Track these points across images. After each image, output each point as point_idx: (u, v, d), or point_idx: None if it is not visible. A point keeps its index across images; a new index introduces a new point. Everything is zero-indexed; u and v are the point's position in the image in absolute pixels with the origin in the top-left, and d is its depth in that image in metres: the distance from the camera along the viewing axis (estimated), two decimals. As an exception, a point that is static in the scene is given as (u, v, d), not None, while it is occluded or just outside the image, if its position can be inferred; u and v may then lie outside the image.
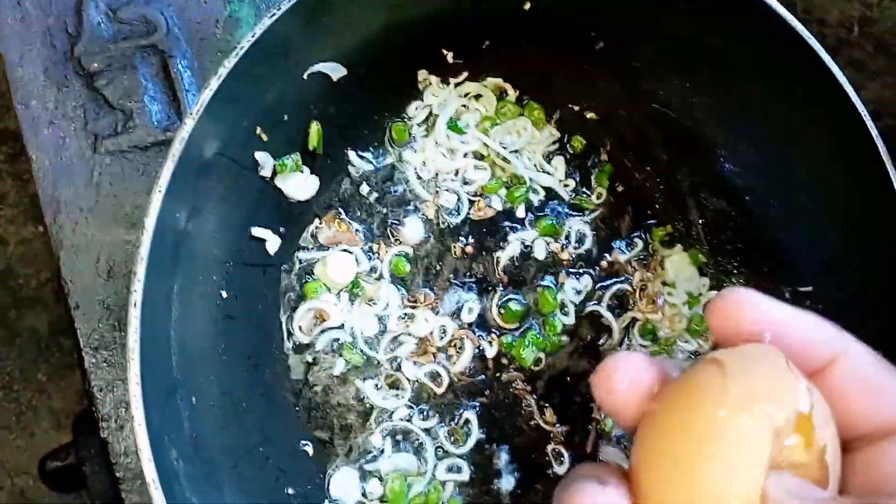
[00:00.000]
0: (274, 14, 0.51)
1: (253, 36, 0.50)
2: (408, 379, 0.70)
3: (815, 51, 0.60)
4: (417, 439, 0.70)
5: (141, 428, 0.46)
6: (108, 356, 0.70)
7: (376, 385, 0.70)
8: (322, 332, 0.69)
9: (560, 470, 0.71)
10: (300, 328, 0.69)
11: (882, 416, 0.32)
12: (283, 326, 0.69)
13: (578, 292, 0.73)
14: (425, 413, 0.70)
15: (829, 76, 0.60)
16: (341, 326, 0.70)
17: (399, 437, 0.70)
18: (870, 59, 0.92)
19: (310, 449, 0.68)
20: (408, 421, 0.70)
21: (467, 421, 0.70)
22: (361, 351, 0.69)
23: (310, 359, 0.69)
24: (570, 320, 0.72)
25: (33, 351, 1.11)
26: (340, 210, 0.71)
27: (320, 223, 0.70)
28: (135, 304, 0.47)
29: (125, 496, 0.68)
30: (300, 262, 0.70)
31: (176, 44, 0.73)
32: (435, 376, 0.70)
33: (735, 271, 0.74)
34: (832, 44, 0.92)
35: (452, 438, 0.70)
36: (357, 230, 0.71)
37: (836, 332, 0.34)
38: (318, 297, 0.69)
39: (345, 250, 0.70)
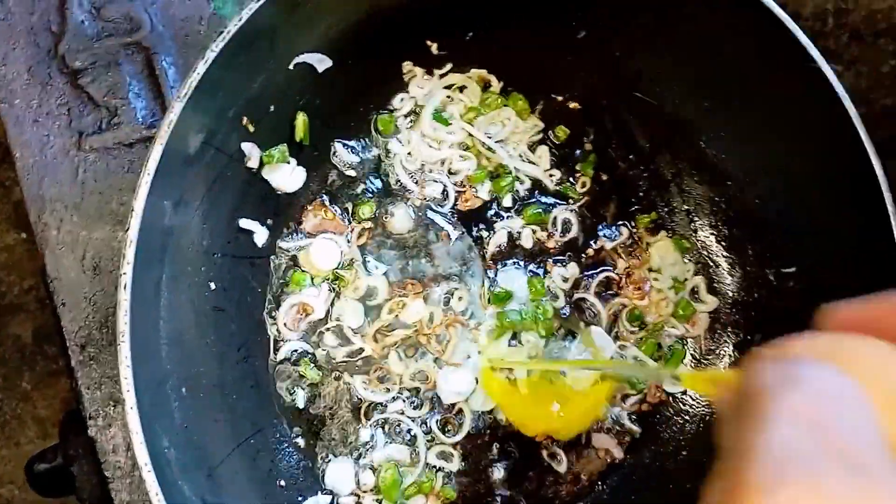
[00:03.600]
0: (260, -1, 0.51)
1: (240, 20, 0.51)
2: (397, 374, 0.70)
3: (794, 36, 0.61)
4: (409, 430, 0.70)
5: (133, 411, 0.46)
6: (94, 353, 0.69)
7: (365, 381, 0.70)
8: (307, 324, 0.69)
9: (552, 461, 0.71)
10: (285, 325, 0.69)
11: None
12: (267, 323, 0.69)
13: (566, 280, 0.74)
14: (417, 403, 0.70)
15: (808, 60, 0.61)
16: (326, 318, 0.70)
17: (391, 428, 0.70)
18: (844, 50, 0.94)
19: (301, 441, 0.68)
20: (400, 413, 0.70)
21: (460, 410, 0.70)
22: (321, 363, 0.69)
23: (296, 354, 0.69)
24: (561, 303, 0.73)
25: (17, 359, 1.09)
26: (326, 199, 0.71)
27: (307, 211, 0.70)
28: (125, 287, 0.47)
29: (114, 495, 0.67)
30: (285, 251, 0.70)
31: (160, 41, 0.73)
32: (422, 375, 0.70)
33: (719, 255, 0.75)
34: (808, 35, 0.94)
35: (446, 428, 0.70)
36: (343, 218, 0.71)
37: None
38: (300, 291, 0.69)
39: (329, 238, 0.70)
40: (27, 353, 1.10)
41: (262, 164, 0.65)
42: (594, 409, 0.65)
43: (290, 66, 0.63)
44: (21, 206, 0.71)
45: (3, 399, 1.09)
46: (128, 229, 0.48)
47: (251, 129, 0.63)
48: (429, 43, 0.71)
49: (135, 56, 0.72)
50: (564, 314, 0.73)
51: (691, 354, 0.74)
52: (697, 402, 0.73)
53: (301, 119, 0.67)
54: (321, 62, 0.65)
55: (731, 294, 0.74)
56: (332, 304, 0.70)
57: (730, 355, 0.73)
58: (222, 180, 0.62)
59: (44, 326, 1.10)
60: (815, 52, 0.62)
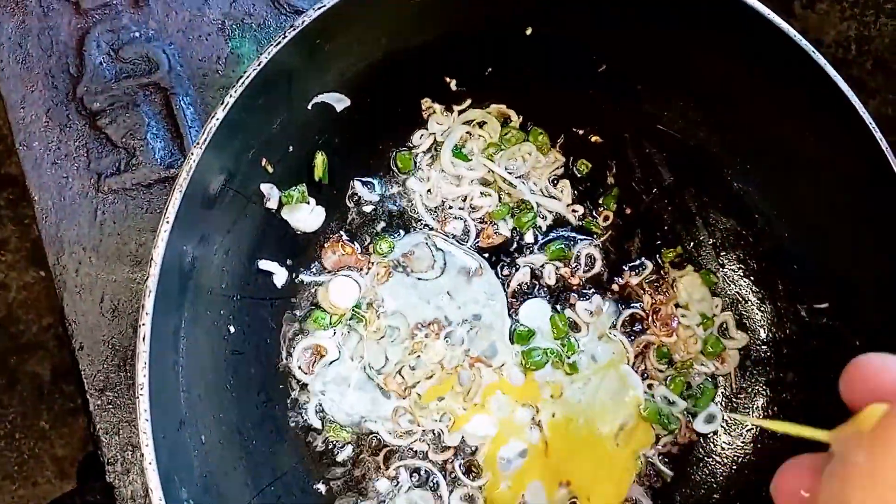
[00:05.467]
0: (279, 42, 0.51)
1: (259, 65, 0.50)
2: (419, 416, 0.68)
3: (822, 68, 0.59)
4: (432, 474, 0.68)
5: (151, 467, 0.45)
6: (113, 397, 0.68)
7: (386, 424, 0.68)
8: (323, 367, 0.68)
9: None
10: (300, 368, 0.68)
11: None
12: (285, 367, 0.68)
13: (591, 314, 0.72)
14: (439, 446, 0.68)
15: (837, 93, 0.60)
16: (345, 360, 0.68)
17: (414, 472, 0.68)
18: (869, 78, 0.92)
19: (322, 487, 0.66)
20: (423, 458, 0.68)
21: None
22: (339, 411, 0.68)
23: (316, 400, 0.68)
24: (586, 340, 0.71)
25: (35, 397, 1.08)
26: (346, 237, 0.70)
27: (326, 249, 0.69)
28: (143, 339, 0.46)
29: (132, 543, 0.66)
30: (304, 288, 0.68)
31: (178, 81, 0.73)
32: (445, 417, 0.69)
33: (749, 291, 0.73)
34: (830, 63, 0.92)
35: (470, 471, 0.68)
36: (362, 255, 0.70)
37: None
38: (315, 333, 0.68)
39: (347, 275, 0.69)
40: (45, 392, 1.10)
41: (281, 205, 0.65)
42: (628, 472, 0.63)
43: (309, 107, 0.62)
44: (39, 244, 0.70)
45: (22, 438, 1.08)
46: (147, 279, 0.47)
47: (270, 169, 0.62)
48: (447, 79, 0.70)
49: (153, 97, 0.72)
50: (589, 351, 0.71)
51: (722, 393, 0.72)
52: (729, 444, 0.71)
53: (320, 158, 0.66)
54: (339, 101, 0.64)
55: (761, 330, 0.72)
56: (353, 344, 0.69)
57: (762, 394, 0.71)
58: (241, 222, 0.62)
59: (62, 365, 1.10)
60: (840, 81, 0.60)
